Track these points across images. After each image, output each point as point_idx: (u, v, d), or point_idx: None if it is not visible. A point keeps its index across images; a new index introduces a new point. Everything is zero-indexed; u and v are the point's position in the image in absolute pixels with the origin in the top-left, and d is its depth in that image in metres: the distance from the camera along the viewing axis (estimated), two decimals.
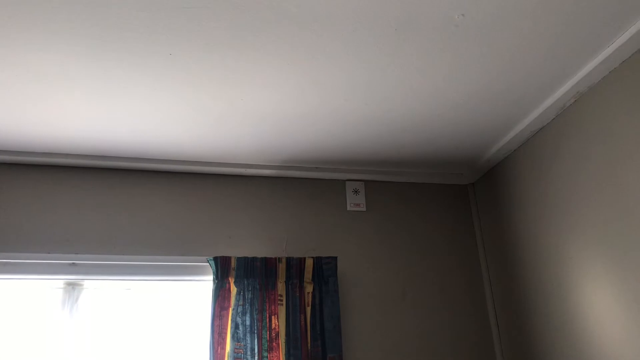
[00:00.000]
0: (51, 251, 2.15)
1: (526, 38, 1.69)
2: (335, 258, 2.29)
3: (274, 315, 2.16)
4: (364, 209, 2.55)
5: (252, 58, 1.74)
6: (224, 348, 2.08)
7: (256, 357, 2.08)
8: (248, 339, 2.10)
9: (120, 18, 1.53)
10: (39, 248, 2.15)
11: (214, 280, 2.16)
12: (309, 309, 2.21)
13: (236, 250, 2.32)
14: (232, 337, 2.09)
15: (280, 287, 2.21)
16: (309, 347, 2.15)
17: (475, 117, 2.16)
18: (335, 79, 1.87)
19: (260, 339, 2.11)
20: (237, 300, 2.15)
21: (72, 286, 2.18)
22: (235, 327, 2.11)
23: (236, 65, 1.77)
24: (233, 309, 2.13)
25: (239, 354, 2.08)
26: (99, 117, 2.03)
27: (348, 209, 2.54)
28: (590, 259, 1.90)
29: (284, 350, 2.11)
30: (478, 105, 2.06)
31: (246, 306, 2.15)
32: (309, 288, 2.24)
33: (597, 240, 1.87)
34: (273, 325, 2.14)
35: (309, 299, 2.22)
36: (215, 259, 2.18)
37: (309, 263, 2.26)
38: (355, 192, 2.57)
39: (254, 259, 2.21)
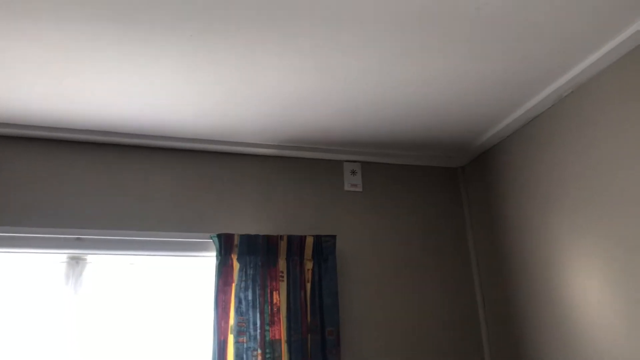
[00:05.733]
0: (57, 226, 2.17)
1: (531, 30, 1.77)
2: (335, 237, 2.36)
3: (276, 290, 2.23)
4: (361, 190, 2.63)
5: (260, 42, 1.77)
6: (227, 322, 2.15)
7: (258, 331, 2.15)
8: (250, 313, 2.17)
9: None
10: (44, 222, 2.16)
11: (217, 256, 2.21)
12: (308, 285, 2.28)
13: (239, 228, 2.38)
14: (236, 311, 2.16)
15: (282, 263, 2.28)
16: (309, 321, 2.23)
17: (473, 104, 2.24)
18: (338, 66, 1.92)
19: (262, 313, 2.18)
20: (240, 276, 2.21)
21: (76, 260, 2.20)
22: (239, 302, 2.18)
23: (245, 49, 1.80)
24: (236, 285, 2.19)
25: (242, 328, 2.15)
26: (107, 94, 2.03)
27: (345, 189, 2.61)
28: (577, 242, 2.02)
29: (284, 324, 2.19)
30: (477, 93, 2.14)
31: (249, 282, 2.21)
32: (309, 265, 2.31)
33: (584, 225, 1.99)
34: (274, 301, 2.22)
35: (308, 275, 2.30)
36: (219, 236, 2.23)
37: (309, 241, 2.33)
38: (353, 172, 2.64)
39: (256, 236, 2.27)
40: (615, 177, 1.86)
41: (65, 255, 2.19)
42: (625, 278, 1.81)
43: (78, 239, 2.18)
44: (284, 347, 2.16)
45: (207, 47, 1.78)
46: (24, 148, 2.25)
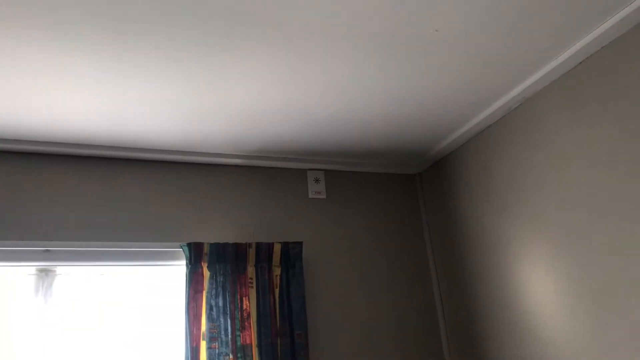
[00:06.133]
0: (24, 238, 2.16)
1: (482, 51, 1.92)
2: (301, 243, 2.46)
3: (245, 297, 2.30)
4: (324, 197, 2.73)
5: (229, 57, 1.84)
6: (199, 329, 2.20)
7: (230, 336, 2.22)
8: (222, 319, 2.24)
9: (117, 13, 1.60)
10: (12, 235, 2.15)
11: (187, 265, 2.26)
12: (277, 291, 2.37)
13: (208, 236, 2.43)
14: (207, 318, 2.22)
15: (250, 270, 2.35)
16: (278, 326, 2.31)
17: (429, 114, 2.37)
18: (302, 80, 2.02)
19: (233, 319, 2.25)
20: (211, 283, 2.27)
21: (45, 272, 2.20)
22: (210, 308, 2.23)
23: (214, 63, 1.87)
24: (207, 292, 2.25)
25: (214, 334, 2.21)
26: (75, 106, 2.04)
27: (310, 196, 2.71)
28: (526, 244, 2.19)
29: (255, 329, 2.26)
30: (433, 104, 2.28)
31: (219, 289, 2.27)
32: (277, 271, 2.39)
33: (533, 228, 2.16)
34: (244, 307, 2.29)
35: (277, 281, 2.38)
36: (189, 244, 2.28)
37: (277, 248, 2.41)
38: (316, 180, 2.75)
39: (225, 244, 2.33)
40: (565, 180, 2.03)
41: (33, 268, 2.19)
42: (582, 282, 1.94)
43: (46, 250, 2.19)
44: (255, 351, 2.23)
45: (178, 61, 1.84)
46: None
